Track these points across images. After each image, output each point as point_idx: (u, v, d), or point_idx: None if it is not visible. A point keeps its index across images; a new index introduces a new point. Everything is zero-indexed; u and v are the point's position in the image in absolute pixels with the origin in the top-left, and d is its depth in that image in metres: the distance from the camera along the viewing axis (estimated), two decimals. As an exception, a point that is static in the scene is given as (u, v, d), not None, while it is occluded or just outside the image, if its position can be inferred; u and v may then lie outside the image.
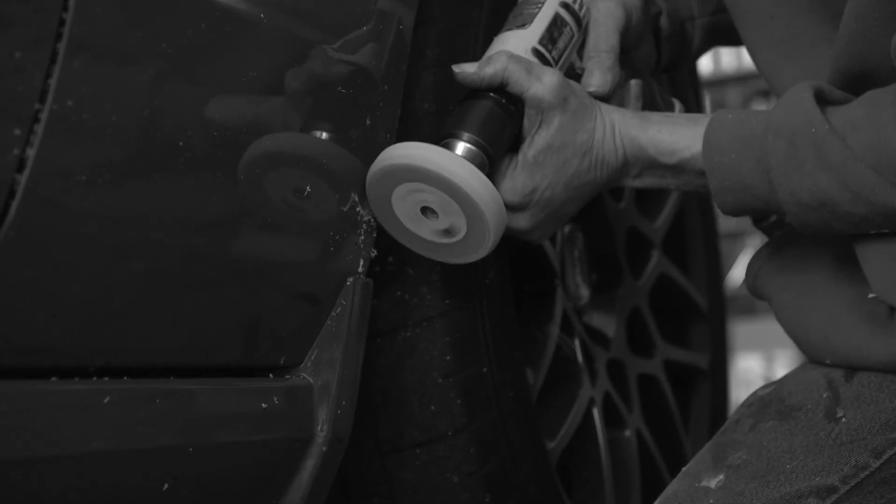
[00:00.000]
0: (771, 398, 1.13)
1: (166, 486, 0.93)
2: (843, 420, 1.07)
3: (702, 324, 1.73)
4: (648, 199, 1.66)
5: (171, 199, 0.89)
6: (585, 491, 1.42)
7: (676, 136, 1.11)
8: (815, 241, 1.14)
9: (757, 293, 1.21)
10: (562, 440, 1.34)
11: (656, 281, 1.63)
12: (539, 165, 1.11)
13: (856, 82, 1.04)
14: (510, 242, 1.20)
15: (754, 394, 1.17)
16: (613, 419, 1.47)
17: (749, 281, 1.21)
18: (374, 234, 1.10)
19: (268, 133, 0.97)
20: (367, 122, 1.07)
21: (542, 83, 1.10)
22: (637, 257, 1.61)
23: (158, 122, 0.87)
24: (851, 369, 1.11)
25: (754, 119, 1.05)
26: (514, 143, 1.13)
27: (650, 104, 1.26)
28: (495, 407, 1.19)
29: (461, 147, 1.08)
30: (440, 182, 1.04)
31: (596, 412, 1.41)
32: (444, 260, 1.12)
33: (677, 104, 1.29)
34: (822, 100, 1.03)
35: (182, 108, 0.89)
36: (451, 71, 1.12)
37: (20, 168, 0.78)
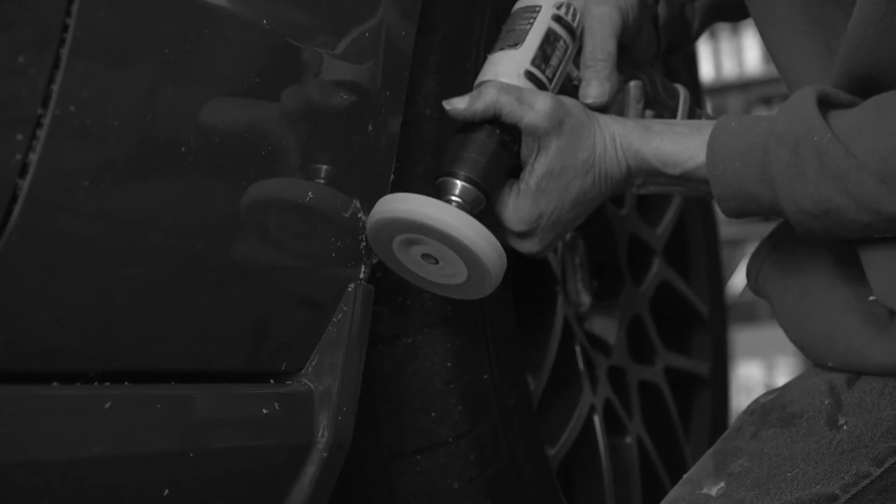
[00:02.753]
0: (773, 405, 1.13)
1: (167, 491, 0.92)
2: (845, 428, 1.07)
3: (703, 331, 1.73)
4: (650, 207, 1.66)
5: (173, 205, 0.89)
6: (586, 497, 1.42)
7: (679, 146, 1.10)
8: (816, 241, 1.13)
9: (759, 294, 1.21)
10: (563, 446, 1.34)
11: (657, 288, 1.63)
12: (542, 192, 1.11)
13: (863, 85, 1.03)
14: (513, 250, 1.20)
15: (756, 401, 1.17)
16: (614, 426, 1.47)
17: (751, 282, 1.21)
18: (376, 240, 1.10)
19: (269, 138, 0.97)
20: (370, 128, 1.07)
21: (535, 111, 1.10)
22: (638, 264, 1.61)
23: (160, 127, 0.87)
24: (854, 375, 1.11)
25: (758, 126, 1.05)
26: (514, 168, 1.12)
27: (652, 100, 1.25)
28: (496, 413, 1.19)
29: (458, 187, 1.08)
30: (436, 234, 1.03)
31: (597, 419, 1.41)
32: (452, 296, 1.12)
33: (681, 91, 1.28)
34: (827, 104, 1.02)
35: (183, 113, 0.89)
36: (453, 76, 1.12)
37: (23, 173, 0.78)
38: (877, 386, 1.09)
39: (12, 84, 0.77)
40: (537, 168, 1.11)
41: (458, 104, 1.11)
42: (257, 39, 0.95)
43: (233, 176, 0.94)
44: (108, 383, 0.89)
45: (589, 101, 1.16)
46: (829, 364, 1.12)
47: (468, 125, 1.11)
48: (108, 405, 0.87)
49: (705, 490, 1.08)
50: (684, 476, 1.13)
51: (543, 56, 1.15)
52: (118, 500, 0.91)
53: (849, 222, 1.01)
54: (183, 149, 0.89)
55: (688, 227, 1.74)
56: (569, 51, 1.18)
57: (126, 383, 0.90)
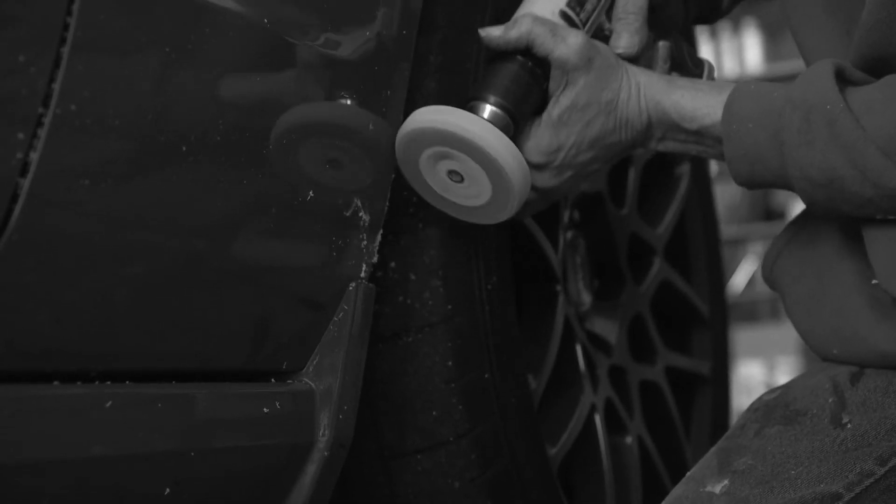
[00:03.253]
0: (776, 403, 1.13)
1: (168, 490, 0.92)
2: (849, 426, 1.07)
3: (703, 330, 1.73)
4: (651, 206, 1.66)
5: (174, 204, 0.89)
6: (587, 497, 1.42)
7: (699, 102, 1.12)
8: (831, 229, 1.15)
9: (772, 285, 1.21)
10: (563, 446, 1.34)
11: (658, 287, 1.63)
12: (563, 124, 1.13)
13: (876, 68, 1.05)
14: (513, 248, 1.20)
15: (760, 398, 1.17)
16: (615, 425, 1.47)
17: (766, 272, 1.22)
18: (377, 239, 1.10)
19: (270, 136, 0.97)
20: (371, 127, 1.07)
21: (567, 45, 1.11)
22: (639, 264, 1.61)
23: (162, 126, 0.87)
24: (858, 370, 1.11)
25: (776, 91, 1.07)
26: (541, 106, 1.14)
27: (679, 65, 1.26)
28: (497, 413, 1.19)
29: (487, 110, 1.10)
30: (465, 145, 1.05)
31: (598, 418, 1.41)
32: (470, 220, 1.14)
33: (706, 63, 1.29)
34: (843, 79, 1.04)
35: (184, 111, 0.89)
36: (454, 77, 1.12)
37: (24, 172, 0.78)
38: (881, 383, 1.09)
39: (13, 83, 0.77)
40: (562, 100, 1.12)
41: (493, 32, 1.13)
42: (258, 38, 0.95)
43: (233, 175, 0.94)
44: (109, 382, 0.89)
45: (619, 51, 1.17)
46: (834, 352, 1.13)
47: (502, 55, 1.13)
48: (108, 404, 0.87)
49: (709, 488, 1.08)
50: (687, 474, 1.13)
51: (579, 0, 1.16)
52: (119, 500, 0.91)
53: (852, 196, 1.03)
54: (184, 148, 0.89)
55: (689, 226, 1.74)
56: (602, 0, 1.19)
57: (127, 382, 0.90)
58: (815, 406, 1.10)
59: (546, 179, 1.15)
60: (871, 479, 1.04)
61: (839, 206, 1.05)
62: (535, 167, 1.14)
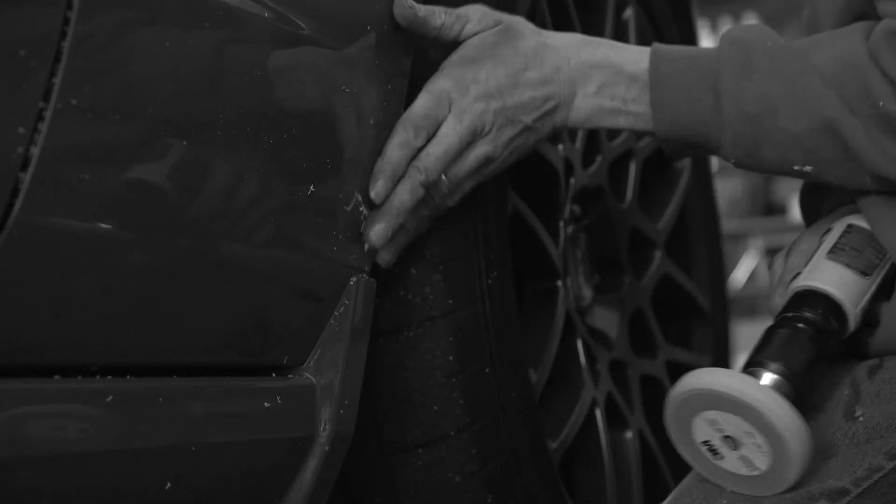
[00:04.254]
0: None
1: (168, 485, 0.92)
2: (861, 419, 1.06)
3: (704, 325, 1.73)
4: (652, 200, 1.66)
5: (175, 197, 0.89)
6: (587, 491, 1.42)
7: (624, 53, 1.11)
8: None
9: None
10: (564, 440, 1.34)
11: (659, 282, 1.63)
12: (472, 60, 1.10)
13: None
14: (513, 242, 1.19)
15: None
16: (616, 420, 1.47)
17: None
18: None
19: (271, 131, 0.97)
20: (371, 121, 1.07)
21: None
22: (640, 258, 1.61)
23: (162, 121, 0.87)
24: (878, 362, 1.10)
25: (703, 45, 1.08)
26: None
27: None
28: (498, 407, 1.19)
29: (767, 377, 1.04)
30: (757, 418, 0.99)
31: (598, 413, 1.41)
32: (738, 489, 1.05)
33: None
34: None
35: (185, 106, 0.89)
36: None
37: (24, 166, 0.78)
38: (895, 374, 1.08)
39: (14, 77, 0.77)
40: (473, 40, 1.11)
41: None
42: (259, 32, 0.95)
43: (234, 169, 0.94)
44: (109, 377, 0.89)
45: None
46: None
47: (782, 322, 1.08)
48: (109, 399, 0.87)
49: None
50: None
51: None
52: (120, 494, 0.91)
53: (780, 132, 1.02)
54: (184, 142, 0.89)
55: (689, 220, 1.74)
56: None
57: (128, 377, 0.90)
58: (832, 399, 1.09)
59: (484, 144, 1.09)
60: (880, 474, 1.04)
61: (763, 152, 1.04)
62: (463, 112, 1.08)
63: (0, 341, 0.80)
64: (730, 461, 1.03)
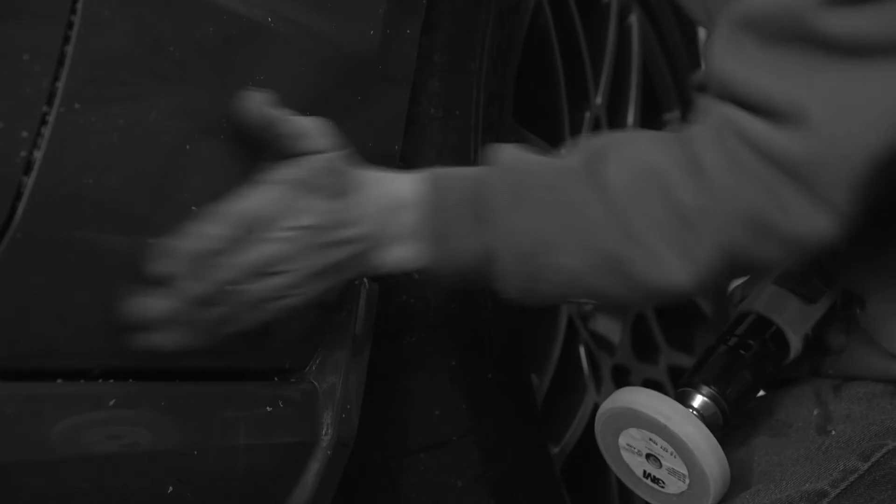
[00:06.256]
0: (758, 409, 1.13)
1: (171, 488, 0.93)
2: (834, 434, 1.07)
3: (706, 329, 1.73)
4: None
5: (179, 202, 0.89)
6: (590, 496, 1.42)
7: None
8: None
9: None
10: (566, 445, 1.34)
11: (661, 286, 1.63)
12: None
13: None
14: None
15: None
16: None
17: None
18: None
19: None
20: (375, 125, 1.07)
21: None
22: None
23: (165, 125, 0.87)
24: (839, 382, 1.10)
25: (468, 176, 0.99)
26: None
27: None
28: (500, 412, 1.19)
29: (698, 400, 1.05)
30: (677, 443, 1.00)
31: (600, 418, 1.41)
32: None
33: None
34: None
35: (188, 110, 0.89)
36: (458, 76, 1.12)
37: (27, 170, 0.78)
38: (863, 393, 1.08)
39: (17, 81, 0.77)
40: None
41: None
42: (262, 36, 0.95)
43: (238, 173, 0.94)
44: (112, 381, 0.89)
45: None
46: None
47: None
48: (112, 402, 0.87)
49: None
50: None
51: None
52: (122, 498, 0.91)
53: (559, 267, 0.95)
54: (188, 146, 0.89)
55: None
56: None
57: (130, 381, 0.90)
58: (800, 418, 1.09)
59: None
60: (856, 475, 1.04)
61: (539, 286, 0.96)
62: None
63: (3, 345, 0.80)
64: (652, 479, 1.05)
